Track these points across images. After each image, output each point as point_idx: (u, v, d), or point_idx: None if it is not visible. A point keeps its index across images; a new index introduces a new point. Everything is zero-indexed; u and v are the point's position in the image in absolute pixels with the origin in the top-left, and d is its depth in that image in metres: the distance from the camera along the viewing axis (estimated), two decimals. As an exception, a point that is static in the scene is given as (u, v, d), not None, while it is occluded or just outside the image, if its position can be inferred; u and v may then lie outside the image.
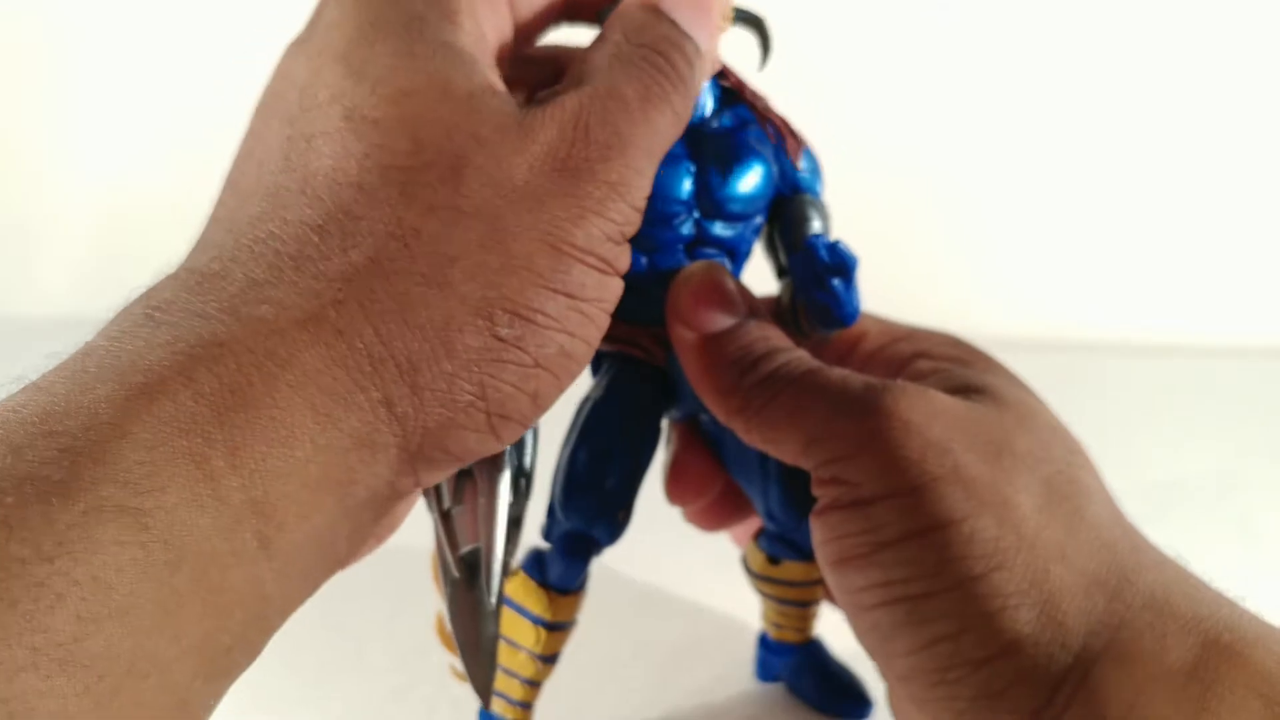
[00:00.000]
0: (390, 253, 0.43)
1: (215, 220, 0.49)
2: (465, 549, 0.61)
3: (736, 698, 0.79)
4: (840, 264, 0.61)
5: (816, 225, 0.66)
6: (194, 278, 0.44)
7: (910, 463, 0.53)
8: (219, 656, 0.39)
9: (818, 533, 0.57)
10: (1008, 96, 1.57)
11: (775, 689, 0.80)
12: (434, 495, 0.61)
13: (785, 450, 0.59)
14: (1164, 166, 1.59)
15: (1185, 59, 1.54)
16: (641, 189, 0.50)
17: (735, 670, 0.82)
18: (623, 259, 0.50)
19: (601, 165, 0.47)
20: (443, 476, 0.50)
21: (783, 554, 0.73)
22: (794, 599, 0.76)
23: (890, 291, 1.55)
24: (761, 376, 0.59)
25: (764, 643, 0.80)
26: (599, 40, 0.54)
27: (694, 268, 0.62)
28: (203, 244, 0.48)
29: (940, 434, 0.54)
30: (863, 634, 0.56)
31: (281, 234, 0.44)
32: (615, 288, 0.50)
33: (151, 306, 0.43)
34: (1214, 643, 0.49)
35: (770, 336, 0.62)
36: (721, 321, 0.61)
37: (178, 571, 0.37)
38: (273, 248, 0.43)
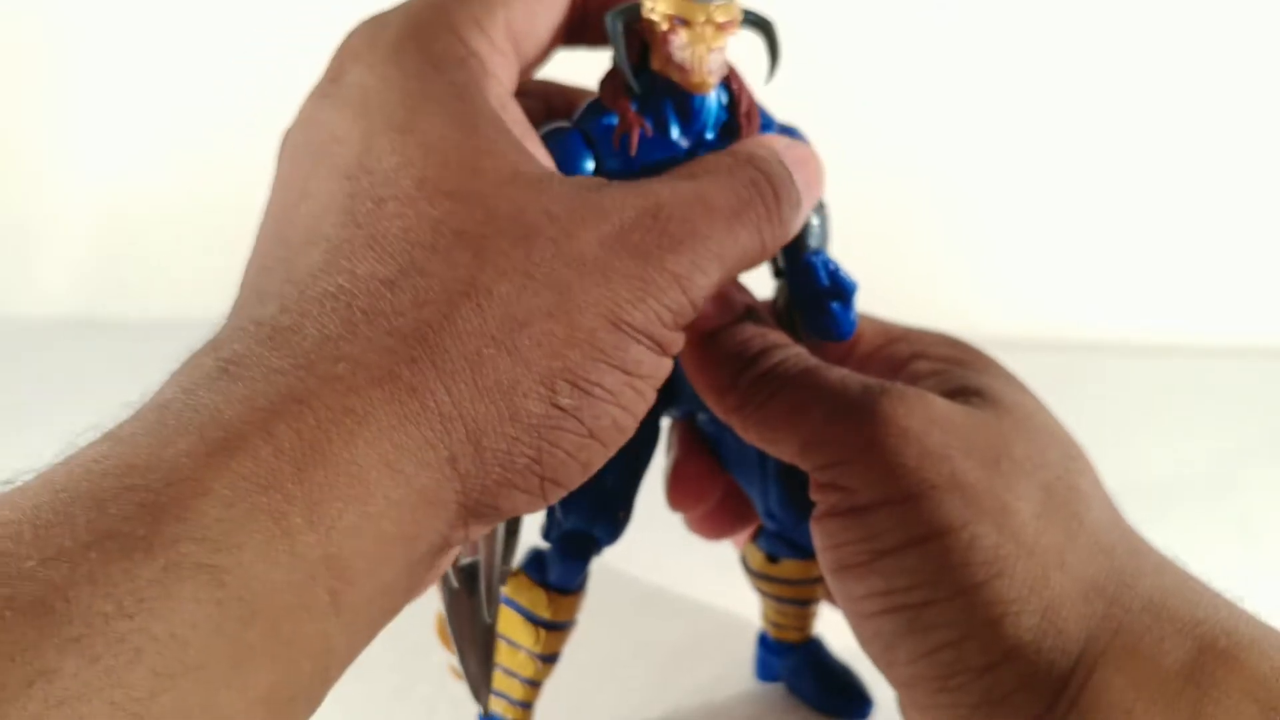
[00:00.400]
0: (463, 313, 0.44)
1: (266, 269, 0.48)
2: (464, 561, 0.62)
3: (736, 698, 0.80)
4: (839, 289, 0.62)
5: (815, 229, 0.66)
6: (264, 330, 0.44)
7: (908, 470, 0.53)
8: (282, 707, 0.39)
9: (818, 539, 0.58)
10: (1007, 96, 1.57)
11: (775, 689, 0.80)
12: None
13: (783, 450, 0.59)
14: (1163, 166, 1.59)
15: (1183, 59, 1.55)
16: (703, 287, 0.50)
17: (735, 670, 0.82)
18: (676, 343, 0.51)
19: (671, 255, 0.49)
20: (489, 529, 0.51)
21: (782, 552, 0.74)
22: (793, 597, 0.76)
23: (889, 291, 1.54)
24: (759, 373, 0.60)
25: (763, 642, 0.81)
26: (717, 152, 0.58)
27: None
28: (260, 293, 0.47)
29: (938, 441, 0.54)
30: (865, 641, 0.57)
31: (352, 288, 0.44)
32: (666, 367, 0.51)
33: (224, 359, 0.43)
34: (1210, 647, 0.49)
35: (768, 333, 0.62)
36: (718, 318, 0.62)
37: (250, 627, 0.37)
38: (344, 302, 0.44)
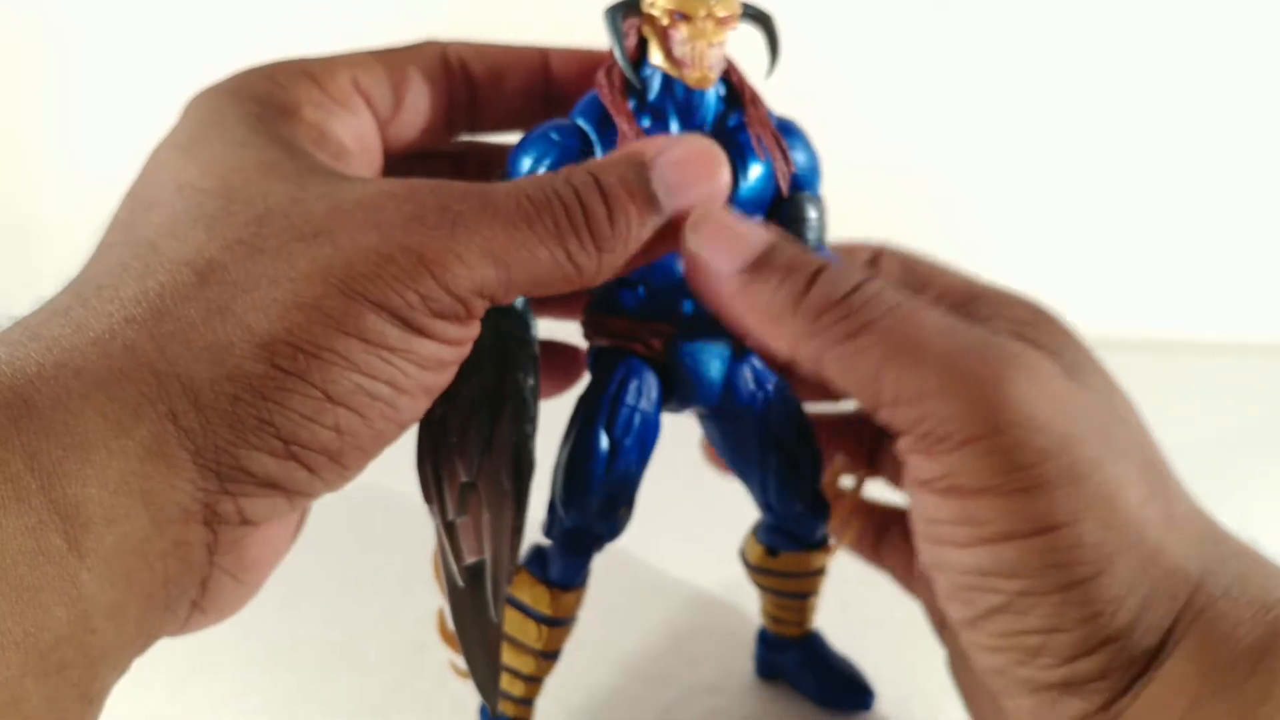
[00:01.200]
0: (183, 279, 0.47)
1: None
2: (470, 560, 0.62)
3: (737, 695, 0.80)
4: None
5: (813, 222, 0.66)
6: (37, 313, 0.49)
7: (1026, 465, 0.51)
8: (46, 653, 0.41)
9: (913, 503, 0.56)
10: (1006, 93, 1.57)
11: (776, 685, 0.81)
12: (437, 505, 0.62)
13: (864, 395, 0.54)
14: (1162, 163, 1.59)
15: (1177, 57, 1.54)
16: (468, 281, 0.50)
17: (736, 668, 0.82)
18: (435, 327, 0.51)
19: (422, 239, 0.49)
20: (272, 505, 0.51)
21: (781, 545, 0.74)
22: (792, 590, 0.76)
23: None
24: (837, 299, 0.54)
25: (763, 639, 0.81)
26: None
27: (695, 213, 0.57)
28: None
29: (1060, 432, 0.52)
30: (947, 600, 0.56)
31: (95, 272, 0.49)
32: (427, 347, 0.51)
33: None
34: None
35: (819, 258, 0.57)
36: (751, 246, 0.57)
37: None
38: (82, 281, 0.49)
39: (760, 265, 0.56)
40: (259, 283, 0.47)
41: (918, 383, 0.52)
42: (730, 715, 0.78)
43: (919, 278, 0.69)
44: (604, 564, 0.69)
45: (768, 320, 0.56)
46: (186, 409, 0.46)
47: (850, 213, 1.52)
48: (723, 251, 0.56)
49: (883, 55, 1.56)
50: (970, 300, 0.65)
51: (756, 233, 0.58)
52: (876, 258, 0.71)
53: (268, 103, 0.56)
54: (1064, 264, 1.63)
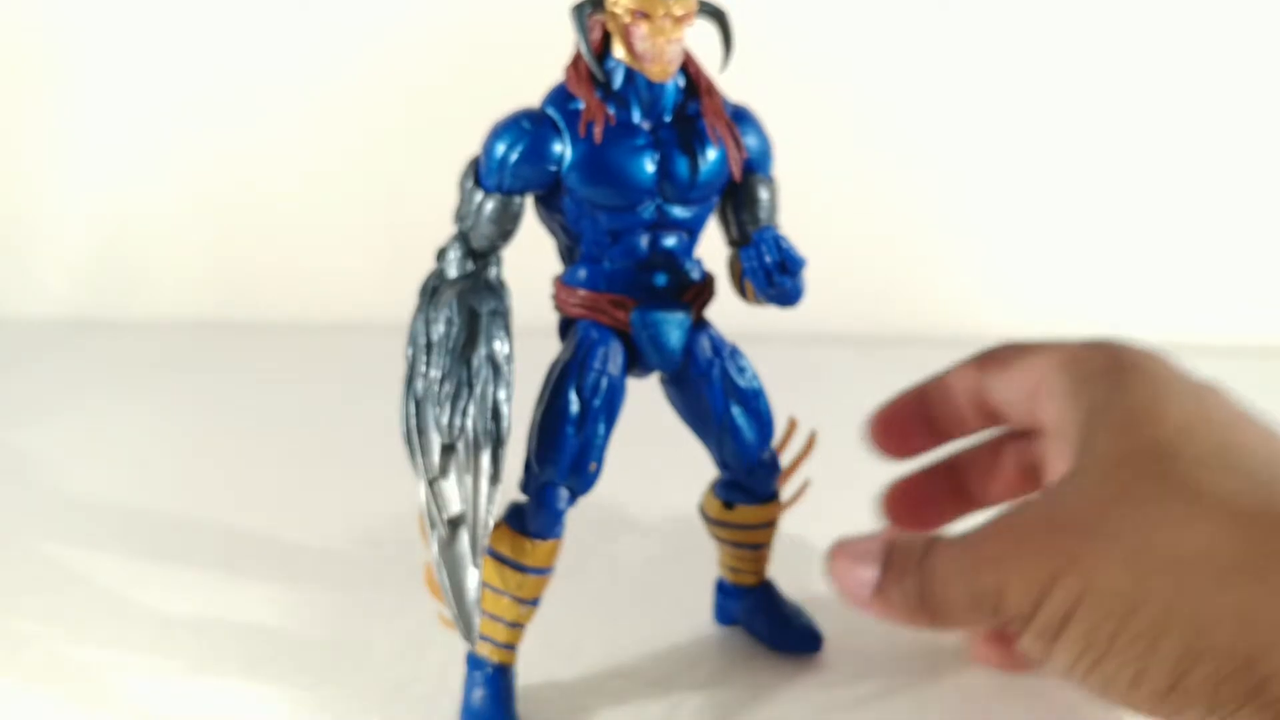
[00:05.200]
0: None
1: None
2: (452, 513, 0.68)
3: (697, 640, 0.85)
4: (786, 264, 0.68)
5: (765, 203, 0.73)
6: None
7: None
8: None
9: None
10: (1012, 98, 1.60)
11: (733, 631, 0.87)
12: (421, 464, 0.68)
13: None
14: (1163, 169, 1.61)
15: (1182, 68, 1.57)
16: None
17: (695, 614, 0.88)
18: None
19: None
20: None
21: (737, 499, 0.80)
22: (747, 542, 0.82)
23: (893, 290, 1.60)
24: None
25: (721, 588, 0.87)
26: None
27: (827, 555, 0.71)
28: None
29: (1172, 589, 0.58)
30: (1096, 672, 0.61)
31: None
32: None
33: None
34: None
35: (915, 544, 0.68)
36: (867, 582, 0.68)
37: None
38: None
39: (880, 589, 0.67)
40: None
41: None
42: (690, 657, 0.83)
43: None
44: (575, 516, 0.74)
45: (906, 616, 0.67)
46: None
47: (854, 216, 1.58)
48: (851, 586, 0.68)
49: (888, 56, 1.59)
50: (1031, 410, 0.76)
51: (868, 561, 0.68)
52: None
53: None
54: (1073, 268, 1.65)
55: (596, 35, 0.69)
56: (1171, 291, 1.65)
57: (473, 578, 0.68)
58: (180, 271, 1.68)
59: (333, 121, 1.62)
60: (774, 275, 0.68)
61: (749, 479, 0.79)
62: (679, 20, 0.67)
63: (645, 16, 0.66)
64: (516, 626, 0.74)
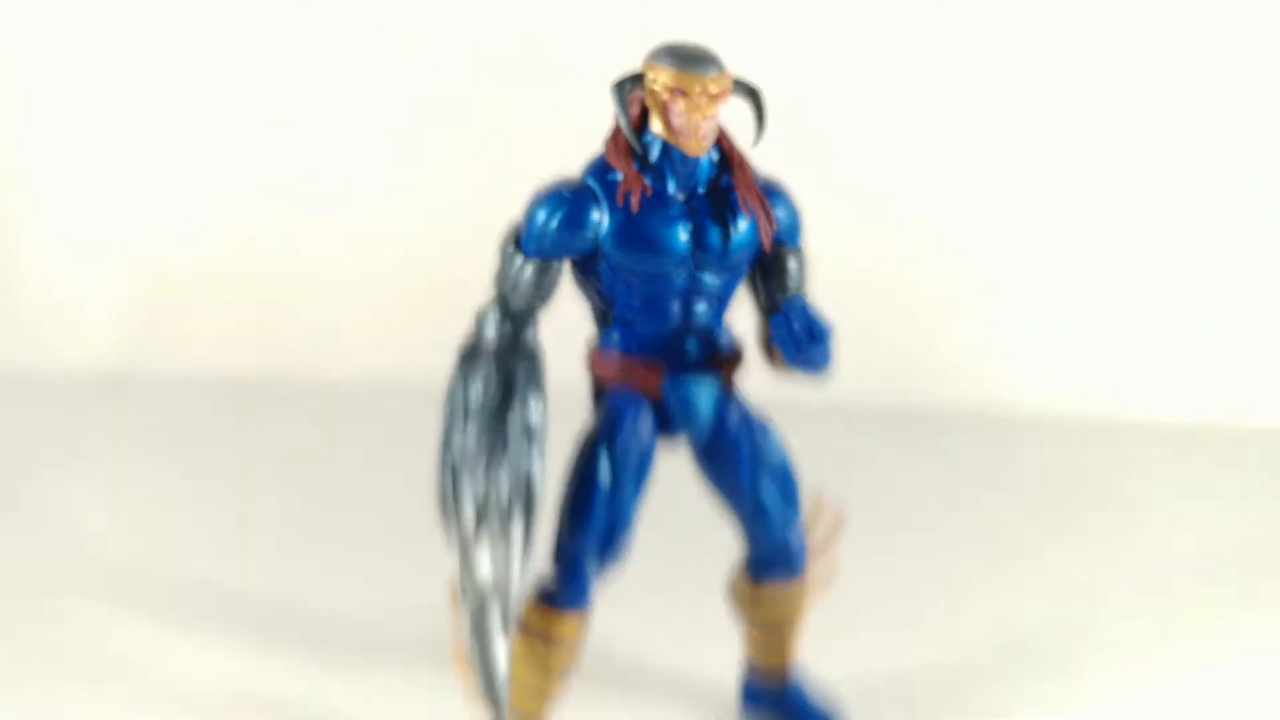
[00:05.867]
0: None
1: None
2: (482, 584, 0.68)
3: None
4: (814, 333, 0.69)
5: (793, 273, 0.75)
6: None
7: None
8: None
9: None
10: (1015, 174, 1.62)
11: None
12: (455, 531, 0.69)
13: None
14: (1161, 253, 1.62)
15: (1195, 154, 1.59)
16: None
17: (721, 695, 0.87)
18: None
19: None
20: None
21: (764, 577, 0.80)
22: (774, 620, 0.81)
23: (905, 368, 1.60)
24: None
25: (746, 692, 0.86)
26: None
27: None
28: None
29: None
30: None
31: None
32: None
33: None
34: None
35: None
36: None
37: None
38: None
39: None
40: None
41: None
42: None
43: None
44: (604, 589, 0.74)
45: None
46: None
47: (858, 287, 1.58)
48: None
49: (896, 129, 1.62)
50: None
51: None
52: None
53: None
54: (1081, 344, 1.64)
55: (635, 110, 0.72)
56: (1194, 373, 1.62)
57: (502, 650, 0.68)
58: (219, 328, 1.69)
59: (374, 183, 1.66)
60: (802, 342, 0.69)
61: (777, 557, 0.79)
62: (715, 98, 0.70)
63: (683, 94, 0.69)
64: (546, 699, 0.74)
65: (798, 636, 0.83)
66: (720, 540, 0.85)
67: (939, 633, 0.97)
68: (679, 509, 0.88)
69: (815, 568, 0.81)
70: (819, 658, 0.86)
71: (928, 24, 1.59)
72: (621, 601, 0.81)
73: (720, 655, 0.89)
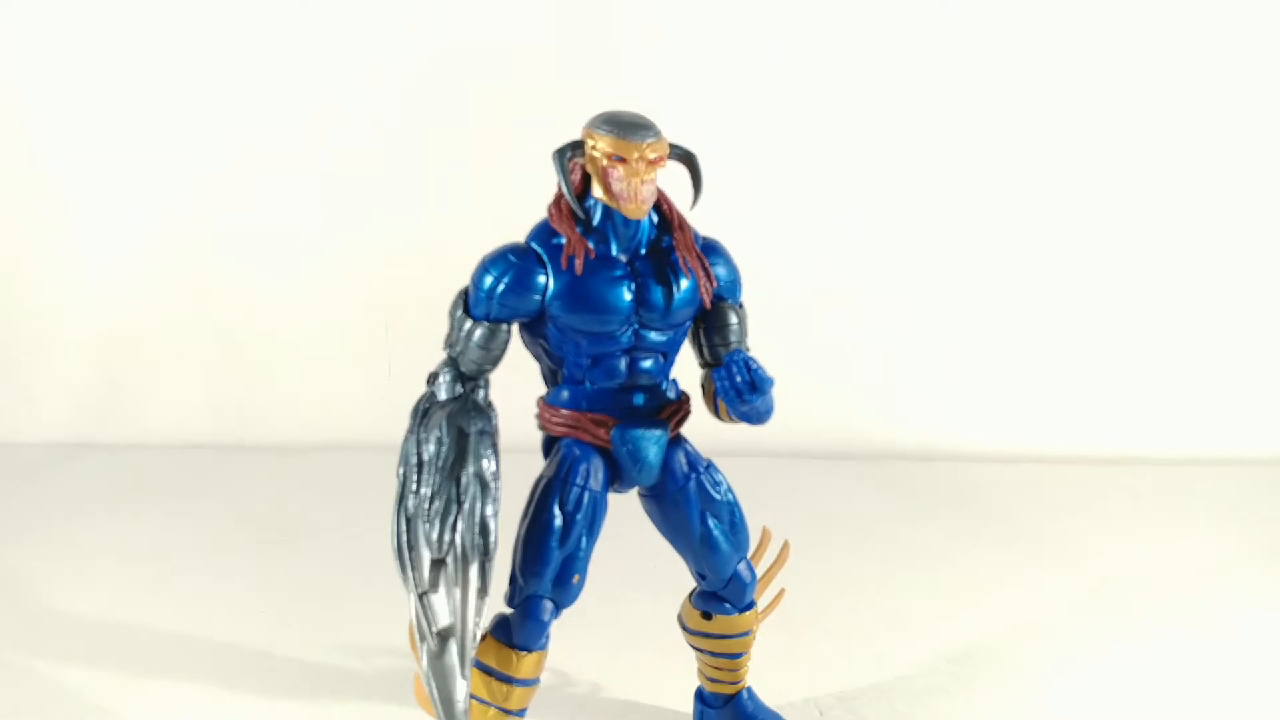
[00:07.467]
0: None
1: None
2: (441, 625, 0.71)
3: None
4: (756, 384, 0.73)
5: (734, 328, 0.79)
6: None
7: None
8: None
9: None
10: (954, 219, 1.65)
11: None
12: (411, 578, 0.71)
13: None
14: (1086, 298, 1.66)
15: (1155, 193, 1.64)
16: None
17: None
18: None
19: None
20: None
21: (714, 609, 0.83)
22: (725, 651, 0.85)
23: (851, 406, 1.64)
24: None
25: (700, 696, 0.89)
26: None
27: None
28: None
29: None
30: None
31: None
32: None
33: None
34: None
35: None
36: None
37: None
38: None
39: None
40: None
41: None
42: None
43: None
44: (559, 628, 0.77)
45: None
46: None
47: (806, 336, 1.61)
48: None
49: (854, 185, 1.65)
50: None
51: None
52: None
53: None
54: (1030, 383, 1.69)
55: (577, 176, 0.75)
56: (1122, 406, 1.69)
57: (461, 689, 0.70)
58: (179, 397, 1.71)
59: (329, 252, 1.68)
60: (744, 394, 0.73)
61: (726, 590, 0.82)
62: (652, 164, 0.73)
63: (621, 160, 0.73)
64: (505, 737, 0.77)
65: (747, 662, 0.86)
66: (672, 574, 0.88)
67: (883, 655, 1.01)
68: (632, 543, 0.90)
69: (762, 598, 0.85)
70: (768, 680, 0.90)
71: (859, 76, 1.63)
72: (578, 634, 0.84)
73: (675, 684, 0.92)
